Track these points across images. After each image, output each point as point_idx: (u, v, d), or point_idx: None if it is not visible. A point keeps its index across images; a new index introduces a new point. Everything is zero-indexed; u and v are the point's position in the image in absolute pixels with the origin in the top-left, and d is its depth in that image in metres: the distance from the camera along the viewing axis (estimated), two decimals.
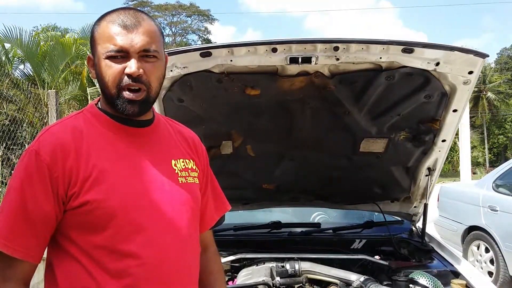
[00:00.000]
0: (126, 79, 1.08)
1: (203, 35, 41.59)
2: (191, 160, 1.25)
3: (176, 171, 1.19)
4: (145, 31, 1.10)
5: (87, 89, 11.19)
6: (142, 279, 1.07)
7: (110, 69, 1.09)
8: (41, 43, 11.40)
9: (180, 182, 1.19)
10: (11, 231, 1.05)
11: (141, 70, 1.08)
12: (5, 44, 11.02)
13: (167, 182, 1.16)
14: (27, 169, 1.06)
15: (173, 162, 1.20)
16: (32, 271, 1.10)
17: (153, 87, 1.12)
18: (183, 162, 1.22)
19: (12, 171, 5.67)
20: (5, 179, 5.60)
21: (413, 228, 2.73)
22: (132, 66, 1.08)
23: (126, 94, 1.09)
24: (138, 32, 1.09)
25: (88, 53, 1.24)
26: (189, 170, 1.22)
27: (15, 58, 11.84)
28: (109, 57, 1.09)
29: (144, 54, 1.10)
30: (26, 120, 7.43)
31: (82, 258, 1.06)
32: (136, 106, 1.10)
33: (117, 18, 1.11)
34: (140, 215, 1.09)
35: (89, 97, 10.94)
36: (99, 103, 1.19)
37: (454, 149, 27.73)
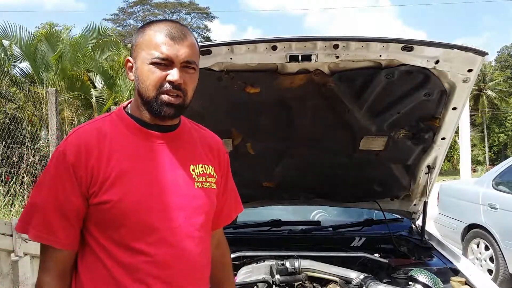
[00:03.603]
0: (167, 85, 1.17)
1: (203, 33, 41.53)
2: (210, 166, 1.31)
3: (193, 176, 1.25)
4: (189, 44, 1.19)
5: (92, 89, 11.23)
6: (151, 274, 1.15)
7: (154, 74, 1.17)
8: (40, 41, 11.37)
9: (196, 187, 1.25)
10: (50, 224, 1.15)
11: (181, 79, 1.17)
12: (4, 42, 10.97)
13: (183, 186, 1.22)
14: (57, 168, 1.17)
15: (191, 167, 1.26)
16: (72, 258, 1.20)
17: (188, 96, 1.21)
18: (201, 167, 1.28)
19: (12, 170, 5.66)
20: (4, 178, 5.59)
21: (413, 226, 2.74)
22: (174, 74, 1.16)
23: (165, 97, 1.17)
24: (184, 44, 1.18)
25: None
26: (207, 176, 1.28)
27: (13, 56, 11.78)
28: (154, 63, 1.16)
29: (185, 65, 1.18)
30: (26, 119, 7.43)
31: (100, 251, 1.16)
32: (172, 109, 1.19)
33: (164, 28, 1.19)
34: (152, 216, 1.16)
35: (93, 99, 10.97)
36: (128, 106, 1.27)
37: (454, 148, 27.72)
